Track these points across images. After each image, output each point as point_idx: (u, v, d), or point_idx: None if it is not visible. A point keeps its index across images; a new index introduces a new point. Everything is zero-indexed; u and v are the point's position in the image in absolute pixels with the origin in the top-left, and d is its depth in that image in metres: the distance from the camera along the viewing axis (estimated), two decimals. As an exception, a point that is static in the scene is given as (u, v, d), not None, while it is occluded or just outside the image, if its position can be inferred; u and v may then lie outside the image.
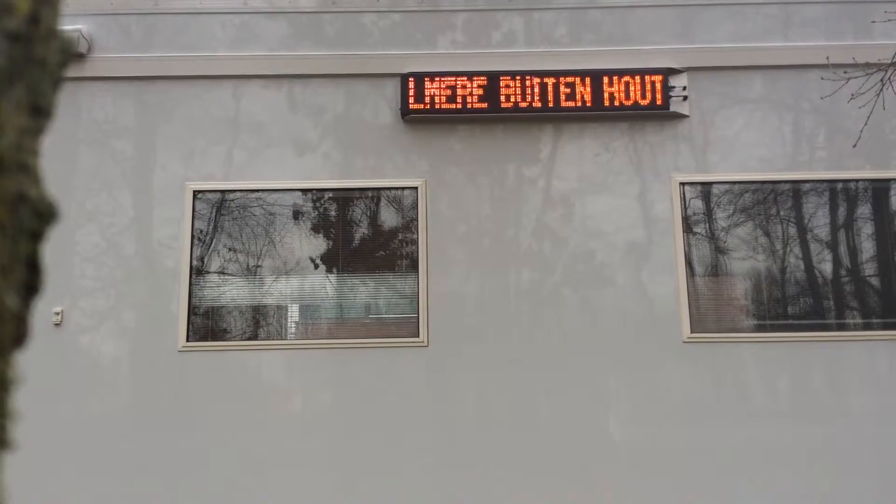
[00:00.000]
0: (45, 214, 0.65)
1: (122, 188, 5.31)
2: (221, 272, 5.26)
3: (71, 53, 0.67)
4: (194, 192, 5.29)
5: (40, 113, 0.65)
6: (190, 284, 5.15)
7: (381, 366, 5.05)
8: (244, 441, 4.93)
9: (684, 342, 5.06)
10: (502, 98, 5.30)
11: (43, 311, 4.93)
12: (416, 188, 5.29)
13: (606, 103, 5.31)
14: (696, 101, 5.41)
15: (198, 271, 5.21)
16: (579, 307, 5.14)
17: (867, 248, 5.31)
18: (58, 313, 5.04)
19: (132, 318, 5.14)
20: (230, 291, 5.24)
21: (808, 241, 5.32)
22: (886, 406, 4.99)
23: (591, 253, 5.22)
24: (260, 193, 5.34)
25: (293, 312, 5.35)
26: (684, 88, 5.36)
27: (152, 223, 5.28)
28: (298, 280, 5.27)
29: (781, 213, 5.36)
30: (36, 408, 4.45)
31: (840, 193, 5.38)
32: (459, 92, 5.29)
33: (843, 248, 5.32)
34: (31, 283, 0.65)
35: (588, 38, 5.53)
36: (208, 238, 5.30)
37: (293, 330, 5.32)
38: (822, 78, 5.09)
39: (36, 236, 0.65)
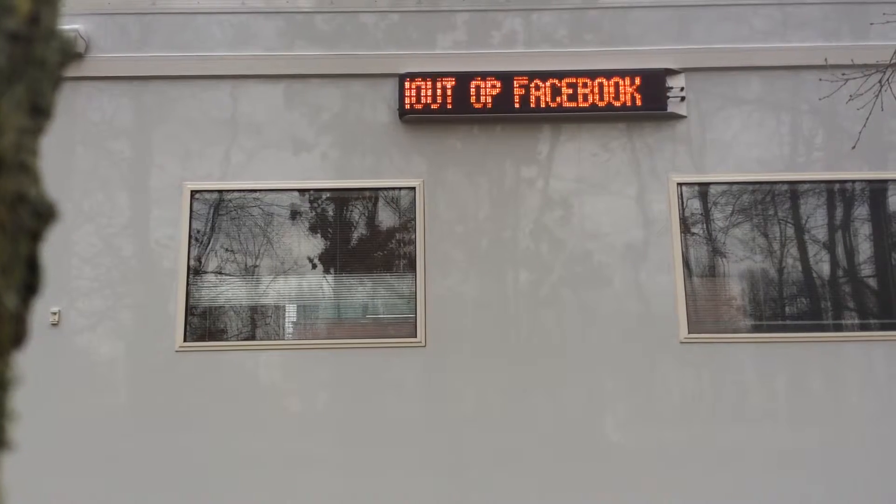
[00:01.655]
0: (44, 214, 0.65)
1: (120, 188, 5.30)
2: (219, 272, 5.25)
3: (71, 53, 0.67)
4: (192, 192, 5.28)
5: (40, 113, 0.65)
6: (187, 284, 5.14)
7: (378, 366, 5.05)
8: (242, 441, 4.92)
9: (682, 343, 5.06)
10: (500, 98, 5.30)
11: (40, 312, 4.92)
12: (413, 188, 5.29)
13: (604, 104, 5.32)
14: (693, 101, 5.41)
15: (195, 271, 5.21)
16: (577, 307, 5.14)
17: (864, 248, 5.32)
18: (55, 313, 5.03)
19: (129, 319, 5.13)
20: (228, 291, 5.23)
21: (805, 242, 5.32)
22: (884, 406, 4.99)
23: (589, 253, 5.22)
24: (257, 193, 5.33)
25: (291, 312, 5.34)
26: (682, 89, 5.37)
27: (150, 223, 5.27)
28: (296, 280, 5.26)
29: (779, 213, 5.36)
30: (33, 408, 4.44)
31: (838, 194, 5.39)
32: (457, 92, 5.29)
33: (840, 249, 5.33)
34: (30, 283, 0.64)
35: (587, 38, 5.53)
36: (206, 238, 5.29)
37: (291, 330, 5.31)
38: (819, 79, 5.09)
39: (35, 236, 0.65)
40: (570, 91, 5.32)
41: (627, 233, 5.24)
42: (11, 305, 0.62)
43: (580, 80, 5.32)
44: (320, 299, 5.28)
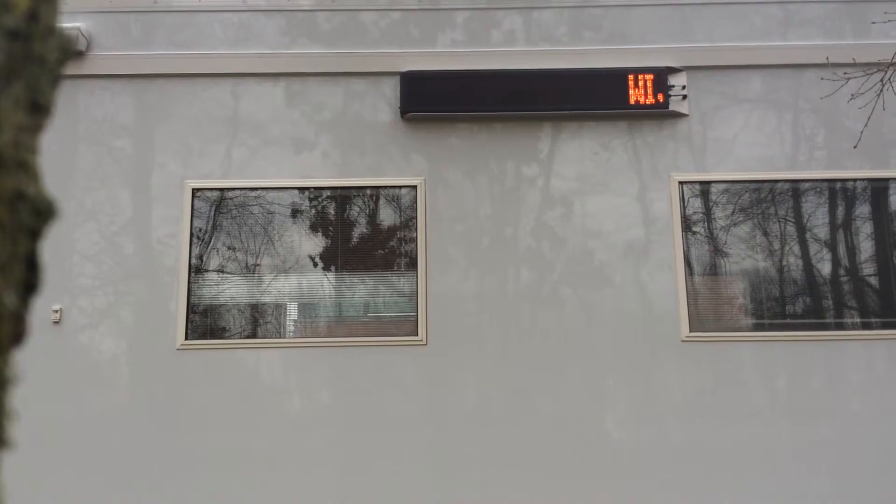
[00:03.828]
0: (43, 212, 0.65)
1: (121, 186, 5.31)
2: (220, 270, 5.25)
3: (70, 51, 0.67)
4: (193, 190, 5.28)
5: (39, 110, 0.65)
6: (189, 283, 5.14)
7: (379, 364, 5.05)
8: (242, 439, 4.93)
9: (683, 341, 5.06)
10: (501, 97, 5.30)
11: (42, 309, 4.93)
12: (414, 187, 5.29)
13: (605, 102, 5.31)
14: (695, 100, 5.41)
15: (196, 270, 5.21)
16: (578, 306, 5.14)
17: (866, 247, 5.31)
18: (56, 311, 5.04)
19: (131, 317, 5.14)
20: (229, 290, 5.24)
21: (806, 241, 5.32)
22: (885, 405, 4.99)
23: (590, 252, 5.22)
24: (259, 192, 5.33)
25: (292, 311, 5.34)
26: (683, 87, 5.36)
27: (151, 221, 5.27)
28: (297, 278, 5.26)
29: (780, 212, 5.36)
30: (34, 406, 4.45)
31: (839, 193, 5.38)
32: (458, 90, 5.29)
33: (841, 248, 5.32)
34: (29, 282, 0.64)
35: (587, 36, 5.53)
36: (207, 236, 5.29)
37: (292, 328, 5.31)
38: (822, 78, 5.09)
39: (35, 234, 0.64)
40: (571, 90, 5.31)
41: (629, 231, 5.24)
42: (11, 304, 0.62)
43: (581, 79, 5.32)
44: (321, 297, 5.28)
